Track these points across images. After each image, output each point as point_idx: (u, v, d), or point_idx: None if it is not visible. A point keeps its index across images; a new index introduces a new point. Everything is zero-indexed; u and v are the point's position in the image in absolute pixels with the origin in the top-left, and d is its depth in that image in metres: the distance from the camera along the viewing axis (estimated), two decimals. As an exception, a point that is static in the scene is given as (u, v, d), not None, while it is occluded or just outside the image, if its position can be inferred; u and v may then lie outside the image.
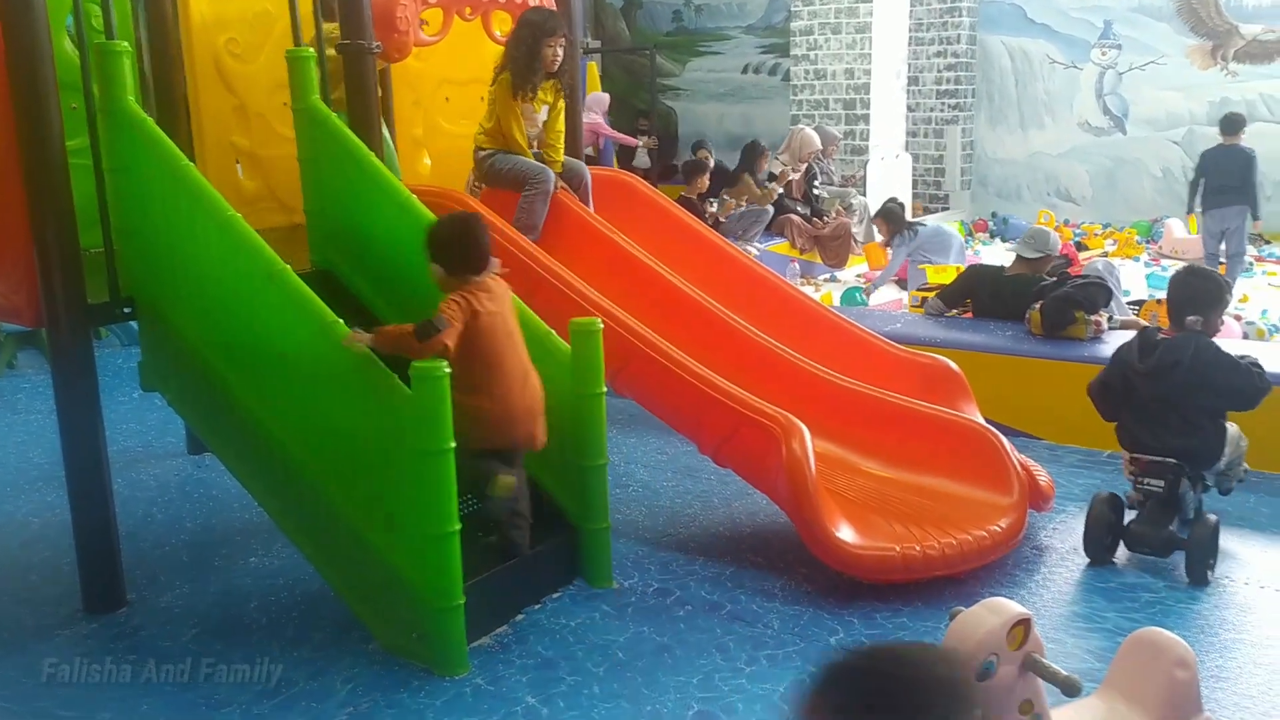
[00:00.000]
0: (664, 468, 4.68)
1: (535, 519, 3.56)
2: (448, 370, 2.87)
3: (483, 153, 4.54)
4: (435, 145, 5.39)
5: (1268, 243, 10.85)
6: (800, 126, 9.76)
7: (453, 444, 2.89)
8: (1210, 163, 8.55)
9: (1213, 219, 8.51)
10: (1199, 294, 3.61)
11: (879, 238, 9.78)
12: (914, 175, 12.76)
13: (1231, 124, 8.55)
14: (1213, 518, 3.53)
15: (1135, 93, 12.18)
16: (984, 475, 3.73)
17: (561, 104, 4.58)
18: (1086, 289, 5.09)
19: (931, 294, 6.16)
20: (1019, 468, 3.73)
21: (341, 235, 3.87)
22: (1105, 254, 10.07)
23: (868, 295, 8.45)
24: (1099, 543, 3.63)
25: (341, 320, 3.09)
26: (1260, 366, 3.56)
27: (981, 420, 4.20)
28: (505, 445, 3.34)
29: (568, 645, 3.18)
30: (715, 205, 8.26)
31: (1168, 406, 3.55)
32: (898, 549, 3.42)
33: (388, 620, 3.11)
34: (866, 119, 10.54)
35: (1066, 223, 12.14)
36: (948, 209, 12.86)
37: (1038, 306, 5.17)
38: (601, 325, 3.46)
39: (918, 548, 3.41)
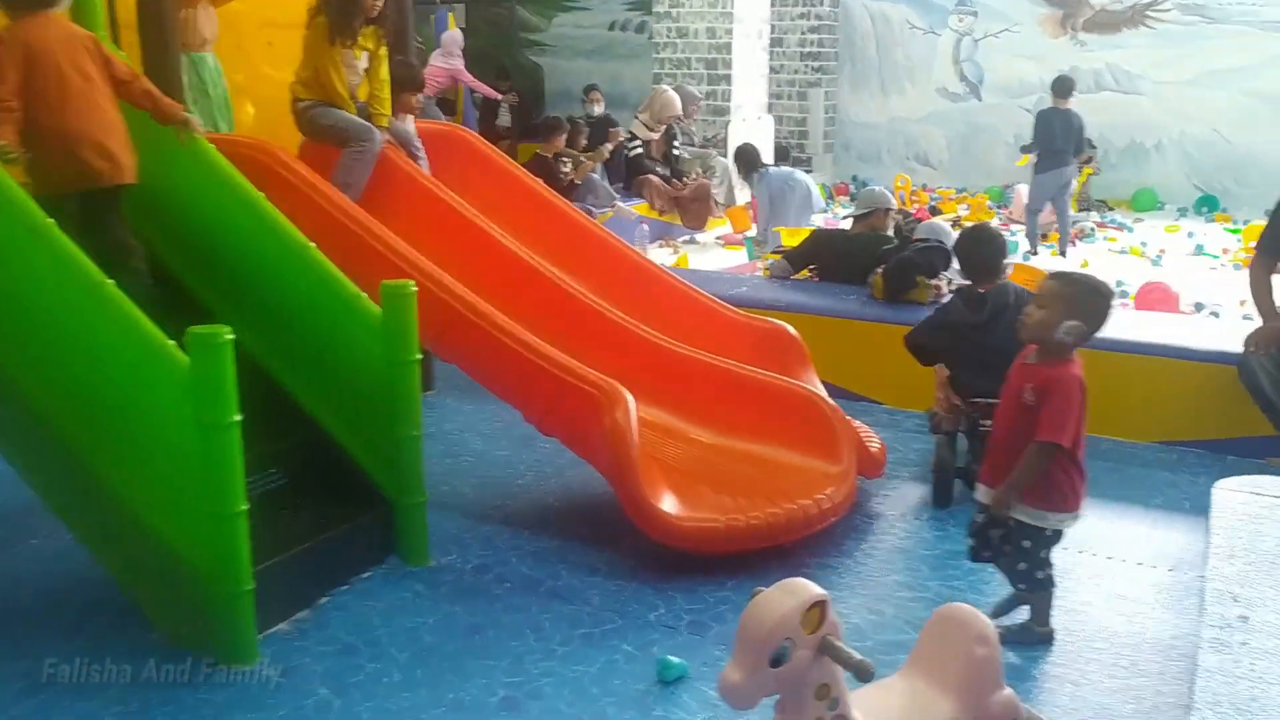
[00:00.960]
0: (500, 436, 4.50)
1: (346, 494, 3.37)
2: (230, 337, 2.63)
3: (301, 103, 4.23)
4: (259, 92, 5.06)
5: (1111, 209, 11.21)
6: (662, 87, 9.59)
7: (238, 416, 2.66)
8: (1046, 125, 8.78)
9: (1049, 179, 8.74)
10: (1000, 248, 3.90)
11: (740, 199, 9.76)
12: (777, 138, 12.74)
13: (1063, 87, 8.82)
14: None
15: (990, 60, 12.41)
16: (814, 443, 3.67)
17: (384, 52, 4.29)
18: (926, 253, 5.09)
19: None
20: (849, 435, 3.68)
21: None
22: (958, 218, 10.24)
23: (759, 250, 8.46)
24: (945, 487, 3.81)
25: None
26: None
27: (819, 386, 4.16)
28: (72, 181, 3.30)
29: (372, 629, 2.99)
30: (569, 166, 8.03)
31: (1001, 353, 3.66)
32: (722, 520, 3.33)
33: (169, 608, 2.87)
34: (728, 79, 10.43)
35: (924, 187, 12.33)
36: (811, 171, 12.90)
37: (880, 271, 5.16)
38: (414, 288, 3.25)
39: (743, 518, 3.33)
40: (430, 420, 4.71)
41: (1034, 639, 2.93)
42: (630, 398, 3.40)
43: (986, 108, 12.45)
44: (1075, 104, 8.75)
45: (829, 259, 5.69)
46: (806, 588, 1.98)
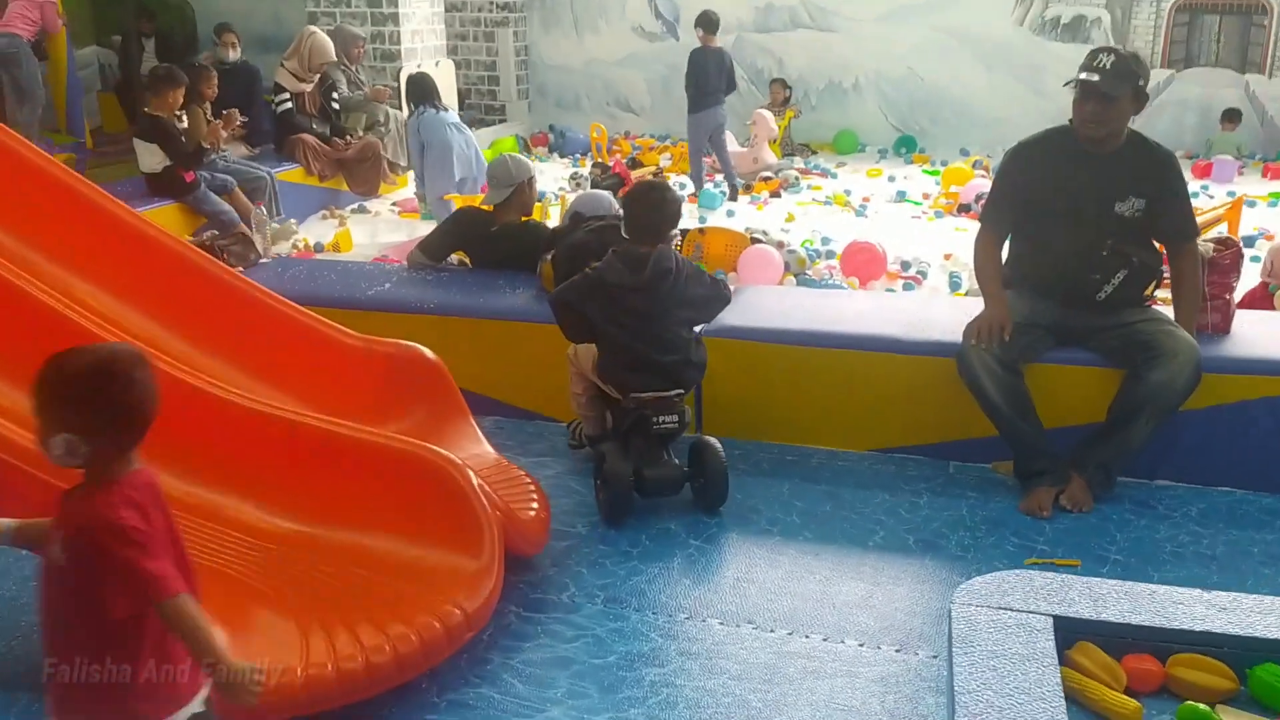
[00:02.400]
0: None
1: None
2: None
3: None
4: None
5: (814, 153, 10.85)
6: (311, 29, 8.16)
7: None
8: (697, 65, 8.51)
9: (704, 119, 8.50)
10: (675, 209, 3.47)
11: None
12: (465, 84, 11.59)
13: (709, 23, 8.50)
14: (714, 440, 3.38)
15: (685, -3, 11.72)
16: (443, 528, 2.70)
17: None
18: (603, 234, 4.16)
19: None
20: (492, 513, 2.72)
21: None
22: (659, 170, 9.56)
23: (423, 205, 7.53)
24: (620, 502, 3.28)
25: None
26: (719, 278, 3.74)
27: (470, 429, 3.28)
28: None
29: None
30: (185, 122, 6.53)
31: (660, 322, 3.36)
32: (299, 672, 2.31)
33: None
34: (396, 19, 9.12)
35: (626, 135, 11.57)
36: (505, 120, 11.86)
37: (549, 258, 4.22)
38: None
39: (330, 666, 2.32)
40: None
41: None
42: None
43: (685, 47, 11.64)
44: (721, 41, 8.70)
45: (478, 246, 4.68)
46: None
